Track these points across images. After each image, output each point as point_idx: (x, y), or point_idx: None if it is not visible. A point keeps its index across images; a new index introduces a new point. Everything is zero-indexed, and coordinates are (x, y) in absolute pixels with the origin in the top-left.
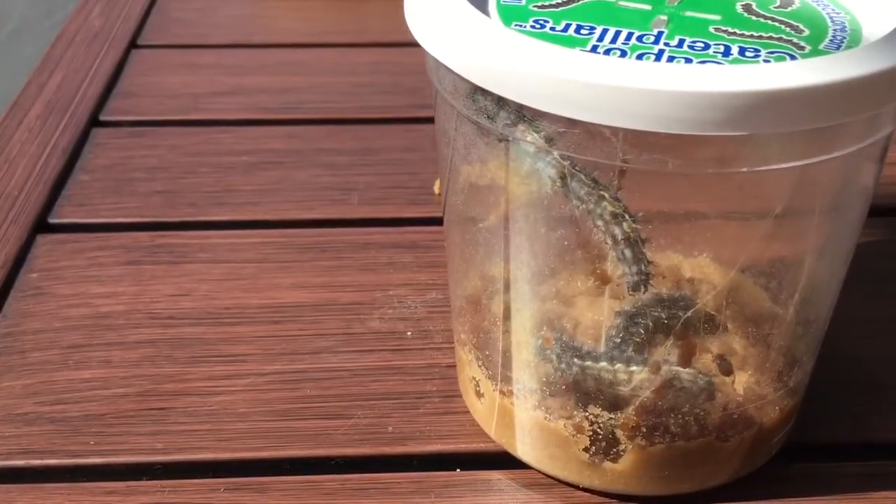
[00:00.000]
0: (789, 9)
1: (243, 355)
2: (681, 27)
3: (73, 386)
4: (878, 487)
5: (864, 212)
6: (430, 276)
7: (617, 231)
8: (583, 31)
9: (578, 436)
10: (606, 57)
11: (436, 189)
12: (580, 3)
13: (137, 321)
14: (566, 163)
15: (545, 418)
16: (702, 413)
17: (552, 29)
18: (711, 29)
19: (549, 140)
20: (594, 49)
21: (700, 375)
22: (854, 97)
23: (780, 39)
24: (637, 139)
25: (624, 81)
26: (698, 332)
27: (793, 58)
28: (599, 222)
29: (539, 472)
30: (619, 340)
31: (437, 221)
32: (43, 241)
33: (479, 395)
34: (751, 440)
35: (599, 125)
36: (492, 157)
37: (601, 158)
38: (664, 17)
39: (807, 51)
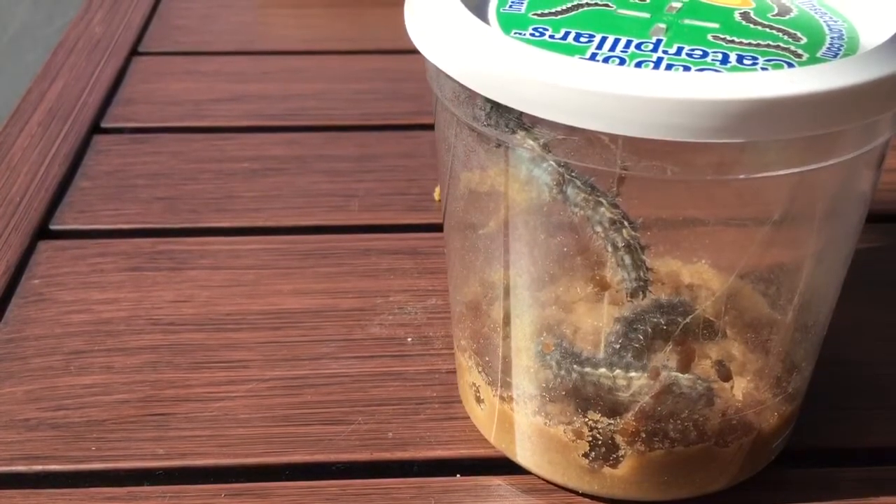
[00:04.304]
0: (787, 17)
1: (244, 361)
2: (679, 35)
3: (75, 392)
4: (878, 492)
5: (862, 218)
6: (431, 282)
7: (616, 237)
8: (582, 39)
9: (578, 441)
10: (605, 65)
11: (436, 195)
12: (579, 11)
13: (139, 327)
14: (561, 169)
15: (545, 424)
16: (701, 418)
17: (551, 37)
18: (710, 37)
19: (546, 147)
20: (593, 57)
21: (699, 381)
22: (851, 105)
23: (777, 47)
24: (636, 146)
25: (622, 89)
26: (697, 338)
27: (790, 65)
28: (598, 228)
29: (539, 477)
30: (618, 346)
31: (438, 228)
32: (44, 247)
33: (478, 400)
34: (750, 445)
35: (598, 132)
36: (492, 164)
37: (600, 165)
38: (663, 26)
39: (804, 59)
